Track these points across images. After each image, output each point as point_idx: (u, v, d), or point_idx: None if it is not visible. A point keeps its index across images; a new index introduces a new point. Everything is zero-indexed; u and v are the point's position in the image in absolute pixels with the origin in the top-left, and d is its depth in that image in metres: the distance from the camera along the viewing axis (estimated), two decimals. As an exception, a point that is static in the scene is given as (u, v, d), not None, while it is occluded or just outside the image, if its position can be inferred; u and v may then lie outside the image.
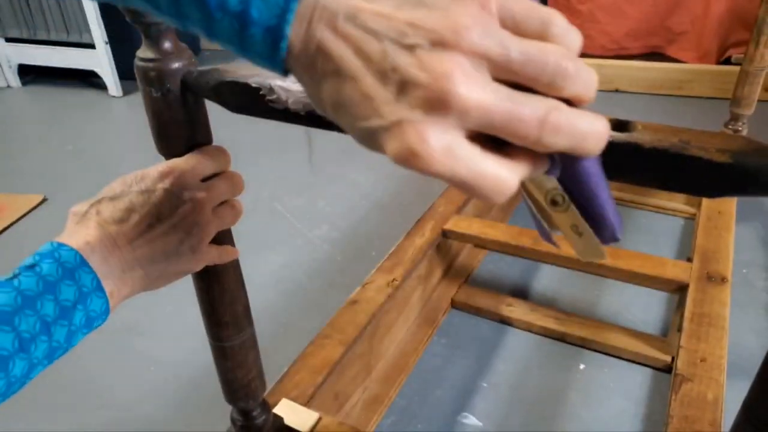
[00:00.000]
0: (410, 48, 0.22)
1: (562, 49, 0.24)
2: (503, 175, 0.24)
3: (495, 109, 0.23)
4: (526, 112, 0.23)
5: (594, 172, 0.27)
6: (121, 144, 1.91)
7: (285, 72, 0.25)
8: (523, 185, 0.29)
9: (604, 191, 0.28)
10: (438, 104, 0.22)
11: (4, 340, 0.34)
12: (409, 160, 0.23)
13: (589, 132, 0.24)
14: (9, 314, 0.34)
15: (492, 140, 0.24)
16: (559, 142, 0.24)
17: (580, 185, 0.27)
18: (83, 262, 0.37)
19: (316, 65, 0.24)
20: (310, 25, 0.23)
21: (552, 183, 0.28)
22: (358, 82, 0.23)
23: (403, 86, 0.22)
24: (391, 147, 0.23)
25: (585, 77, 0.24)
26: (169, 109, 0.43)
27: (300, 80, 0.25)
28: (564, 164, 0.27)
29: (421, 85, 0.22)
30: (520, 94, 0.23)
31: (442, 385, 0.95)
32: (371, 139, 0.24)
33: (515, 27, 0.24)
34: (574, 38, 0.25)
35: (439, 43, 0.22)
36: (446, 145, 0.23)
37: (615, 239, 0.29)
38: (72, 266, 0.37)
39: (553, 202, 0.28)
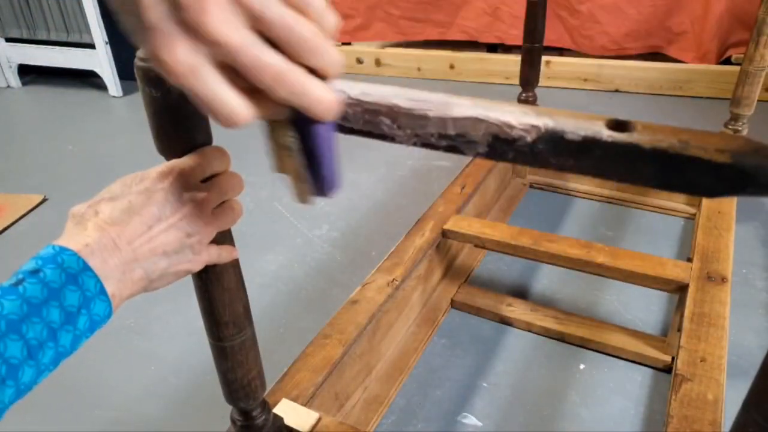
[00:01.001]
0: None
1: (314, 27, 0.28)
2: (239, 106, 0.28)
3: (241, 51, 0.26)
4: (267, 63, 0.27)
5: (323, 134, 0.33)
6: (121, 144, 1.91)
7: None
8: (268, 127, 0.35)
9: (329, 153, 0.34)
10: (192, 29, 0.26)
11: (13, 348, 0.34)
12: (156, 64, 0.27)
13: (319, 99, 0.29)
14: (16, 322, 0.34)
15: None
16: (291, 98, 0.28)
17: (310, 140, 0.33)
18: (86, 267, 0.37)
19: None
20: None
21: (289, 131, 0.33)
22: None
23: (173, 2, 0.26)
24: (146, 47, 0.27)
25: (330, 55, 0.29)
26: (169, 109, 0.43)
27: None
28: (302, 119, 0.32)
29: (183, 6, 0.25)
30: (268, 47, 0.27)
31: (442, 385, 0.95)
32: (134, 33, 0.28)
33: None
34: (330, 20, 0.29)
35: None
36: (192, 64, 0.26)
37: (327, 195, 0.36)
38: (75, 271, 0.37)
39: (286, 146, 0.34)
